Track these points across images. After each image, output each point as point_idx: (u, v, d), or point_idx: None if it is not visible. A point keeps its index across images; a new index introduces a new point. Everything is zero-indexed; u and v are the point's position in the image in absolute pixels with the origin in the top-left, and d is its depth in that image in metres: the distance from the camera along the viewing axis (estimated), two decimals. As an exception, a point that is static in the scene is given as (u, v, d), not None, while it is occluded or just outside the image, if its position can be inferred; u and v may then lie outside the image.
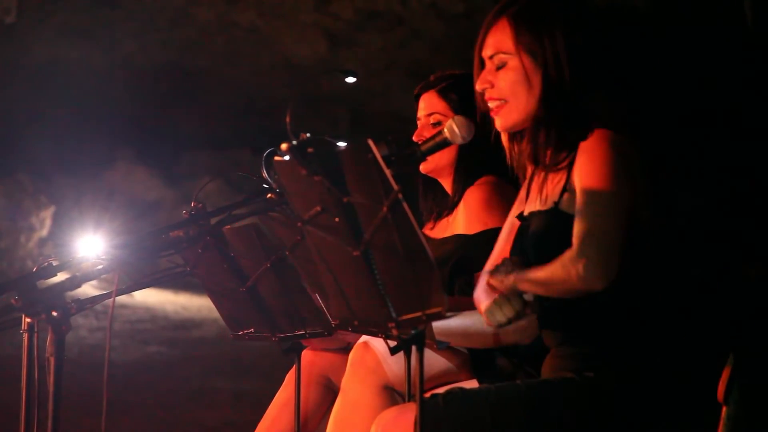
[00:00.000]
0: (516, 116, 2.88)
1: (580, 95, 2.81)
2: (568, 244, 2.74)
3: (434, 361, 3.35)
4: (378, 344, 3.34)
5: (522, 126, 2.90)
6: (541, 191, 2.87)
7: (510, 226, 3.01)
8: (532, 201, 2.90)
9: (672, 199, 2.79)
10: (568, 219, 2.75)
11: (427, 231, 3.81)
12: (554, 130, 2.82)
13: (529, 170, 2.95)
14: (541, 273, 2.71)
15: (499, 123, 2.91)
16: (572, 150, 2.80)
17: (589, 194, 2.70)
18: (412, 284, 2.41)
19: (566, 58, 2.82)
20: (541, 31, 2.84)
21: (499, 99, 2.89)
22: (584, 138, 2.78)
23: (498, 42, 2.88)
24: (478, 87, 2.92)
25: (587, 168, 2.73)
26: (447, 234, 3.68)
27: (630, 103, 2.86)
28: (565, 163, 2.82)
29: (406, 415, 2.70)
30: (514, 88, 2.86)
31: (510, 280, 2.75)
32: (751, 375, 2.88)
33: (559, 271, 2.67)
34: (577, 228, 2.69)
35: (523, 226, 2.90)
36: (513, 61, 2.86)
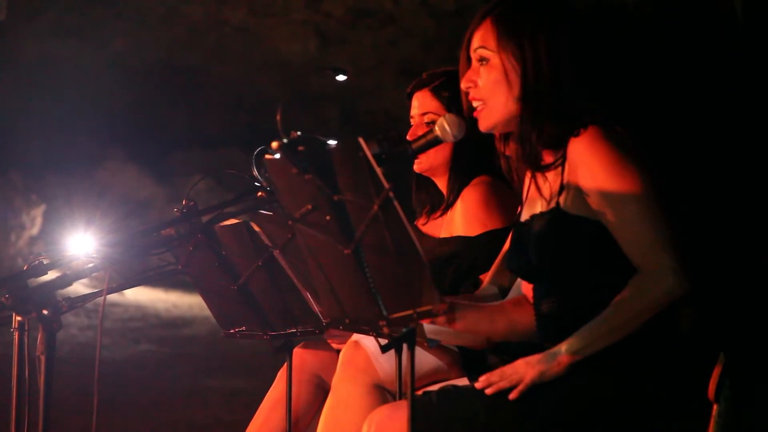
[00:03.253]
0: (496, 116, 2.89)
1: (564, 95, 2.81)
2: (570, 245, 2.75)
3: (425, 359, 3.35)
4: (369, 343, 3.34)
5: (504, 127, 2.91)
6: (540, 193, 2.86)
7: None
8: (531, 204, 2.90)
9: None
10: (571, 219, 2.76)
11: (419, 226, 3.82)
12: (540, 130, 2.82)
13: (526, 173, 2.95)
14: (616, 319, 2.67)
15: (480, 124, 2.93)
16: (563, 147, 2.80)
17: (626, 206, 2.69)
18: (403, 282, 2.41)
19: (547, 60, 2.83)
20: (522, 33, 2.85)
21: (481, 98, 2.90)
22: (575, 134, 2.77)
23: (481, 39, 2.90)
24: (462, 86, 2.94)
25: (603, 176, 2.70)
26: (443, 233, 3.68)
27: (618, 101, 2.86)
28: (557, 162, 2.82)
29: (400, 412, 2.70)
30: (494, 87, 2.88)
31: (564, 358, 2.69)
32: (741, 373, 2.89)
33: (639, 302, 2.66)
34: (636, 247, 2.69)
35: (524, 230, 2.89)
36: (494, 60, 2.88)
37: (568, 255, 2.77)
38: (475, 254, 3.52)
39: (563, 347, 2.69)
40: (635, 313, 2.67)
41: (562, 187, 2.80)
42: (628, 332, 2.67)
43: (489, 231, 3.53)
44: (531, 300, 2.97)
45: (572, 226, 2.76)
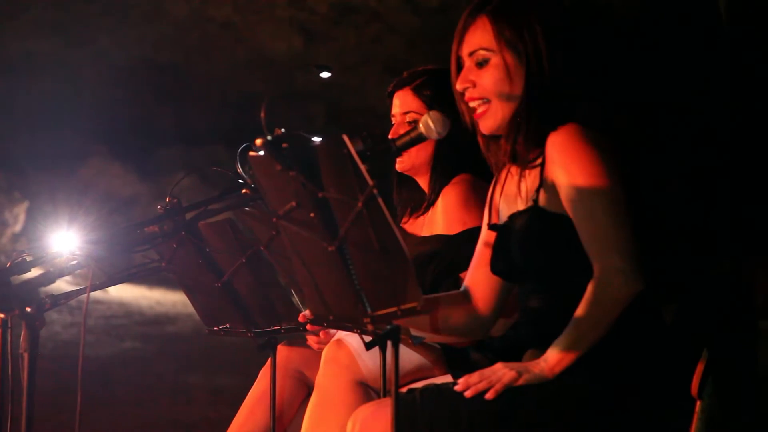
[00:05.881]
0: (501, 116, 2.87)
1: (560, 91, 2.81)
2: (551, 242, 2.75)
3: (408, 356, 3.35)
4: (352, 340, 3.35)
5: (507, 126, 2.89)
6: (519, 191, 2.86)
7: (485, 235, 3.01)
8: (510, 203, 2.90)
9: (643, 195, 2.81)
10: (549, 217, 2.76)
11: (401, 225, 3.82)
12: (532, 128, 2.82)
13: (502, 171, 2.95)
14: (581, 326, 2.69)
15: (484, 125, 2.90)
16: (543, 144, 2.80)
17: (586, 201, 2.70)
18: (387, 279, 2.41)
19: (546, 54, 2.82)
20: (521, 27, 2.84)
21: (481, 98, 2.87)
22: (554, 129, 2.77)
23: (478, 39, 2.87)
24: (459, 87, 2.91)
25: (573, 170, 2.72)
26: (425, 232, 3.68)
27: (606, 98, 2.87)
28: (538, 160, 2.82)
29: (384, 410, 2.70)
30: (497, 86, 2.85)
31: (549, 365, 2.70)
32: (724, 369, 2.90)
33: (595, 310, 2.68)
34: (590, 245, 2.71)
35: (504, 231, 2.89)
36: (495, 59, 2.85)
37: (551, 252, 2.78)
38: (455, 252, 3.52)
39: (541, 363, 2.70)
40: (595, 321, 2.69)
41: (540, 184, 2.80)
42: (599, 336, 2.69)
43: (469, 229, 3.53)
44: (475, 295, 3.00)
45: (552, 223, 2.76)
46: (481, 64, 2.87)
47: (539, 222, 2.78)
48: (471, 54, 2.88)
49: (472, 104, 2.90)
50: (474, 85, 2.88)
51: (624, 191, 2.72)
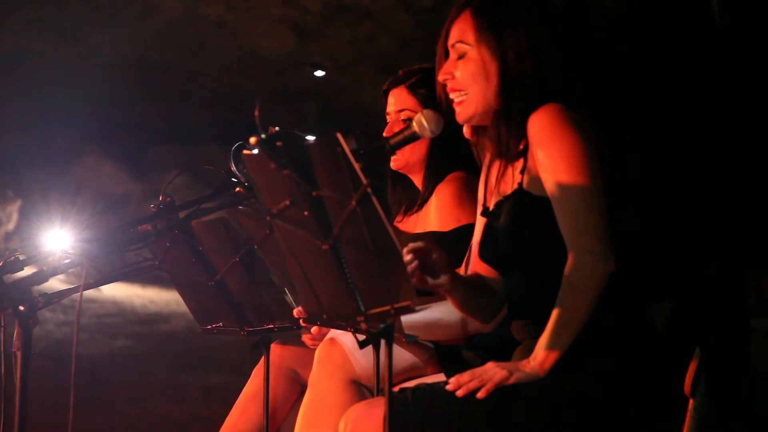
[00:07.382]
0: (474, 108, 2.89)
1: (541, 89, 2.82)
2: (536, 226, 2.76)
3: (401, 355, 3.36)
4: (346, 339, 3.35)
5: (481, 119, 2.91)
6: (507, 180, 2.87)
7: (479, 225, 3.02)
8: (498, 192, 2.91)
9: (631, 193, 2.82)
10: (534, 200, 2.77)
11: (395, 223, 3.82)
12: (514, 123, 2.83)
13: (486, 164, 2.96)
14: (561, 314, 2.68)
15: (458, 115, 2.93)
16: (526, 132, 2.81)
17: (562, 181, 2.70)
18: (380, 278, 2.41)
19: (527, 53, 2.83)
20: (503, 26, 2.86)
21: (460, 90, 2.90)
22: (534, 110, 2.78)
23: (460, 32, 2.91)
24: (440, 77, 2.94)
25: (551, 148, 2.72)
26: (418, 229, 3.69)
27: (594, 96, 2.87)
28: (522, 145, 2.83)
29: (376, 409, 2.70)
30: (472, 79, 2.88)
31: (539, 362, 2.70)
32: (717, 368, 2.91)
33: (572, 295, 2.68)
34: (564, 227, 2.71)
35: (492, 220, 2.90)
36: (472, 53, 2.89)
37: (536, 237, 2.78)
38: (449, 249, 3.52)
39: (531, 362, 2.70)
40: (573, 308, 2.68)
41: (524, 167, 2.81)
42: (581, 322, 2.68)
43: (462, 226, 3.54)
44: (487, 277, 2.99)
45: (537, 207, 2.76)
46: (461, 56, 2.90)
47: (524, 206, 2.79)
48: (453, 45, 2.91)
49: (451, 95, 2.92)
50: (453, 77, 2.90)
51: (601, 174, 2.72)
